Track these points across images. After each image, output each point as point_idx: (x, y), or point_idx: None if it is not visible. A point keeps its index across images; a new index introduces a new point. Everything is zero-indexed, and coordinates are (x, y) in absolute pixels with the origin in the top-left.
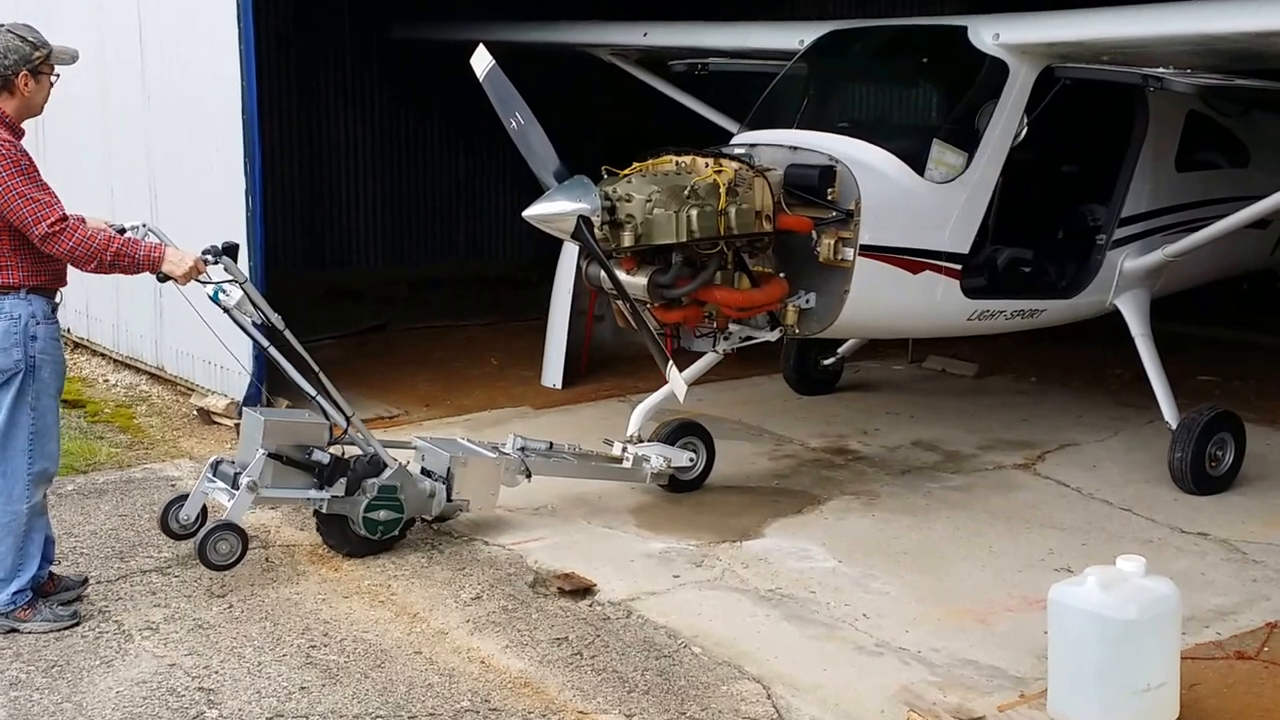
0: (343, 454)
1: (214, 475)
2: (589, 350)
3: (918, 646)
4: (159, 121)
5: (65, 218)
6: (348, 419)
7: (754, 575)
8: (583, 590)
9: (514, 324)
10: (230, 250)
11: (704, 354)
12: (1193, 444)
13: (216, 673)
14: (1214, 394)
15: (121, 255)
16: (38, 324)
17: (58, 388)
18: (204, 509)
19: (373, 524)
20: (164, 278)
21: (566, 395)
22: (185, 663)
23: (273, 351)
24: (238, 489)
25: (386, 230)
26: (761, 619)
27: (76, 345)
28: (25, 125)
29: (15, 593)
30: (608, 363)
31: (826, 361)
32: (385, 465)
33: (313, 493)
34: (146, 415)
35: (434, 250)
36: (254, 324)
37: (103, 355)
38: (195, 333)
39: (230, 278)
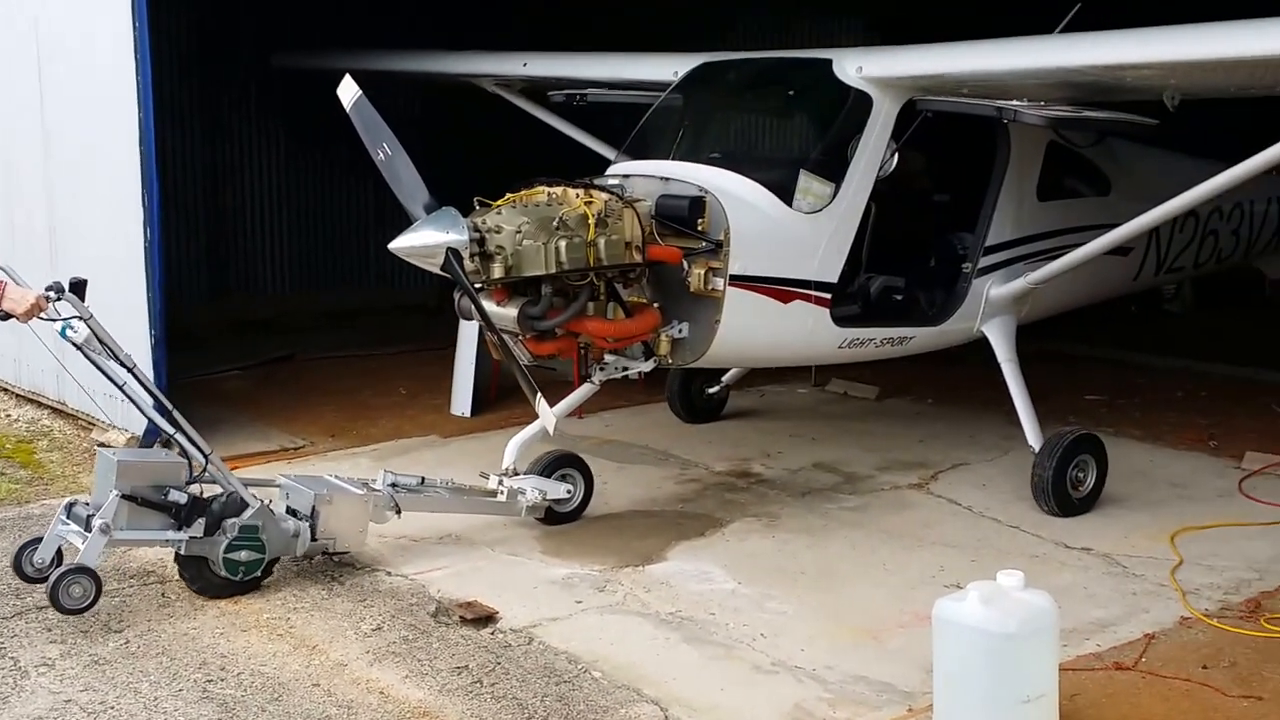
0: (201, 493)
1: (68, 517)
2: (498, 378)
3: (812, 664)
4: (56, 153)
5: None
6: (206, 457)
7: (655, 599)
8: (485, 618)
9: (423, 353)
10: (76, 287)
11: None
12: (1052, 496)
13: (113, 708)
14: (1100, 412)
15: None
16: None
17: None
18: (59, 551)
19: (233, 565)
20: (5, 315)
21: (475, 423)
22: (81, 699)
23: (128, 389)
24: (91, 531)
25: (294, 260)
26: (661, 642)
27: None
28: None
29: None
30: (516, 390)
31: (711, 390)
32: (246, 505)
33: (170, 534)
34: (47, 450)
35: (343, 279)
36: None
37: (4, 390)
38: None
39: (76, 314)
